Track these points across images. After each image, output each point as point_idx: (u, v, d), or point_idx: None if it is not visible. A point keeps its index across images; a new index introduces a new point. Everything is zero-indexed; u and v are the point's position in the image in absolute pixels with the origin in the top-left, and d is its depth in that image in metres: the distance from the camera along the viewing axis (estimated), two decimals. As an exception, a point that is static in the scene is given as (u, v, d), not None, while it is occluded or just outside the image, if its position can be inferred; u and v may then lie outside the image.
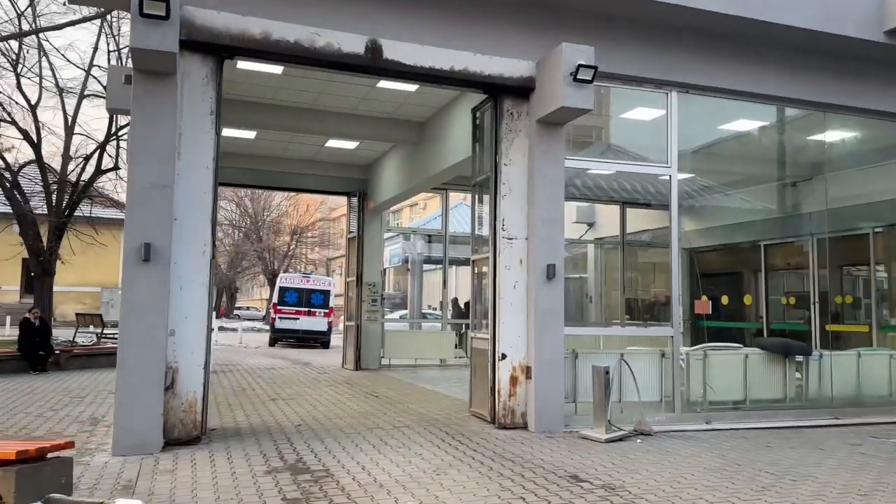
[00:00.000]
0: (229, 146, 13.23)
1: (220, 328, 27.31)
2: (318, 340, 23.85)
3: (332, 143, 12.96)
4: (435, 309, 27.71)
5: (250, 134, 12.36)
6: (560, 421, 7.50)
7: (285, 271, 38.79)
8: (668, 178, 8.45)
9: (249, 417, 7.99)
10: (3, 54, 16.07)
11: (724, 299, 15.46)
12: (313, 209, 44.83)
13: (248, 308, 50.44)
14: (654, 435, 7.49)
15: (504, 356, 7.58)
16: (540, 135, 7.69)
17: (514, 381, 7.58)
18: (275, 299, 24.64)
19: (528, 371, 7.58)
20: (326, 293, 24.63)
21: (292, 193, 47.21)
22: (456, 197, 19.09)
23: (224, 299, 49.34)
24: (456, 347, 16.05)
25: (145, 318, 6.14)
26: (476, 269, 8.55)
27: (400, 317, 24.79)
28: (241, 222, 45.93)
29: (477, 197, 8.51)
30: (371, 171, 14.62)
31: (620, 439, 7.20)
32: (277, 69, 9.00)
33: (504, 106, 7.77)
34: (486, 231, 8.19)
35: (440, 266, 17.23)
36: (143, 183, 6.23)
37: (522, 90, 7.74)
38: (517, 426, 7.53)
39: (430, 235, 19.72)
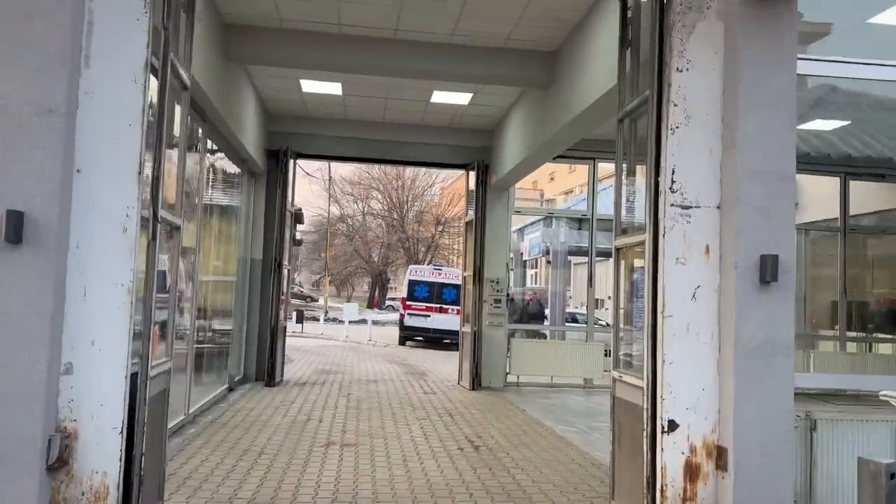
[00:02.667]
0: (316, 108, 10.71)
1: (352, 322, 25.59)
2: (452, 341, 21.20)
3: (439, 98, 9.96)
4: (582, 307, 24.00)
5: (335, 88, 9.70)
6: (786, 557, 3.90)
7: (428, 263, 36.73)
8: None
9: (259, 489, 5.19)
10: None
11: None
12: (459, 198, 42.44)
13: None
14: None
15: (673, 425, 4.10)
16: (747, 16, 4.10)
17: (692, 471, 4.08)
18: (404, 294, 22.35)
19: (719, 455, 4.05)
20: (460, 288, 21.83)
21: (440, 182, 45.38)
22: (606, 171, 15.30)
23: (376, 291, 48.75)
24: (606, 355, 12.47)
25: (11, 342, 3.49)
26: (622, 261, 5.09)
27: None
28: (390, 214, 44.84)
29: (624, 140, 5.03)
30: (492, 136, 11.45)
31: None
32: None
33: (678, -36, 4.25)
34: (640, 199, 4.74)
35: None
36: (14, 104, 3.57)
37: (714, -72, 4.19)
38: (699, 560, 4.03)
39: (578, 220, 16.14)
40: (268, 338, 10.73)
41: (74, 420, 3.63)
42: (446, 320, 21.12)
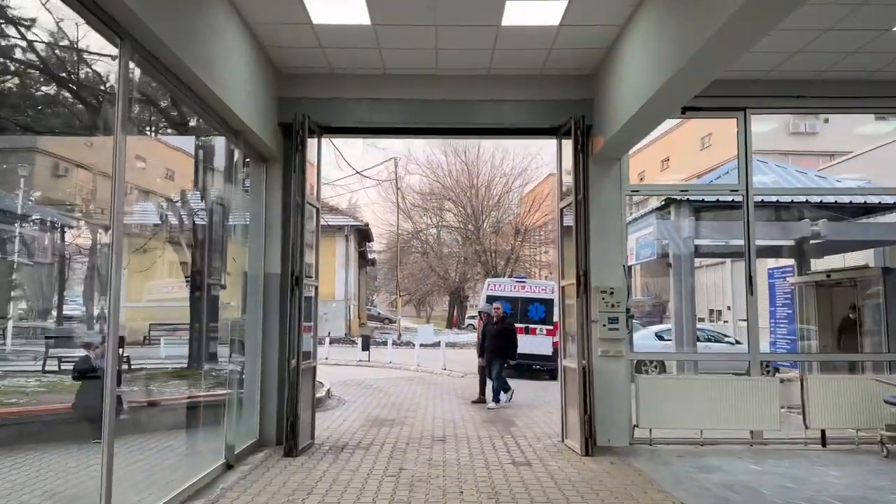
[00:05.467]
0: (340, 57, 7.55)
1: (423, 345, 22.34)
2: (542, 368, 17.59)
3: (514, 16, 6.57)
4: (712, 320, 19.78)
5: (358, 12, 6.49)
6: None
7: (509, 276, 33.14)
8: None
9: None
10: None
11: None
12: (539, 204, 38.68)
13: (483, 317, 45.76)
14: None
15: None
16: None
17: None
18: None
19: None
20: (549, 303, 18.23)
21: (517, 186, 41.86)
22: (762, 141, 11.17)
23: (455, 310, 45.56)
24: (781, 382, 8.54)
25: None
26: None
27: (656, 334, 17.34)
28: (464, 226, 41.67)
29: None
30: (596, 82, 7.93)
31: None
32: None
33: None
34: None
35: (731, 259, 9.64)
36: None
37: None
38: None
39: (701, 201, 12.14)
40: (286, 384, 7.55)
41: None
42: (534, 342, 17.58)
